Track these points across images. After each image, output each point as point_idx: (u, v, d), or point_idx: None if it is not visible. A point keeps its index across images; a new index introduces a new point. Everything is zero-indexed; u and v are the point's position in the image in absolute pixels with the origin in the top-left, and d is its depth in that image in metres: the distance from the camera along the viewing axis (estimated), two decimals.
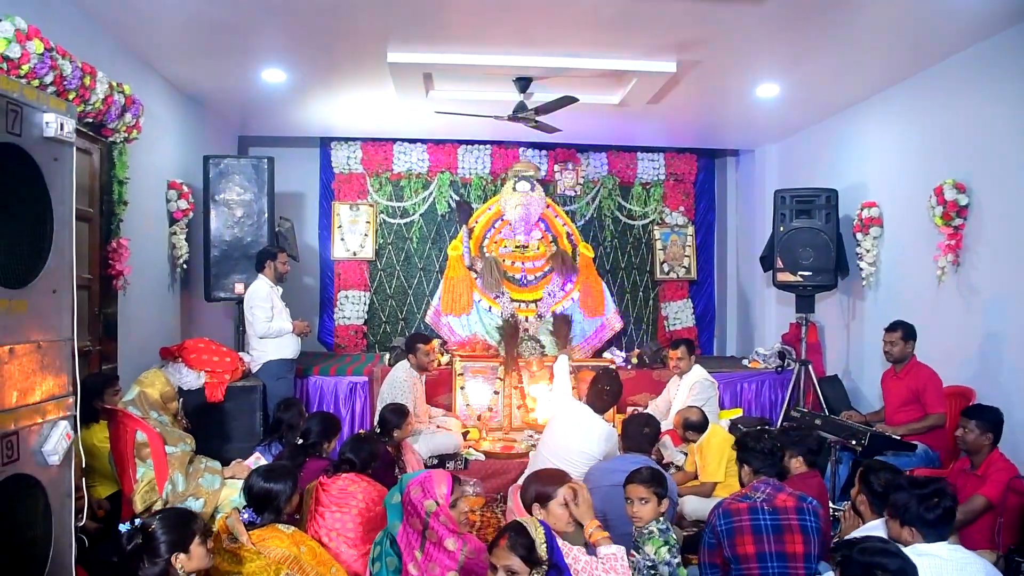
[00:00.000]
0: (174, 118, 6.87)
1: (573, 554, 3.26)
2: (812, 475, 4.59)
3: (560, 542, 3.15)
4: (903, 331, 5.78)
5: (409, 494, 3.42)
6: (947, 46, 5.73)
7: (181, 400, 5.29)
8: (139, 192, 5.95)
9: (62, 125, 2.89)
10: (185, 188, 6.79)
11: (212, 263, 6.90)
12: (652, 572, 3.63)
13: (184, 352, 5.94)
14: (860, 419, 6.03)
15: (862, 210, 6.96)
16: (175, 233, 6.77)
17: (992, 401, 4.84)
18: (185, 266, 6.94)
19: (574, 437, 5.01)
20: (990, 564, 3.03)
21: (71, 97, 4.51)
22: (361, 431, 5.84)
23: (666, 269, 9.49)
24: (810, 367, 7.11)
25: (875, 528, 3.40)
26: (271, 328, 6.21)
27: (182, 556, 2.93)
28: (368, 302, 9.15)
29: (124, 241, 5.59)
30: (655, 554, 3.68)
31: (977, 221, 5.68)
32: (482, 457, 6.50)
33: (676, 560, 3.71)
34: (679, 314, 9.54)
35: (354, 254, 9.08)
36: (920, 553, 2.92)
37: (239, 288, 6.68)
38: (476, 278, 8.08)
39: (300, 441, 4.74)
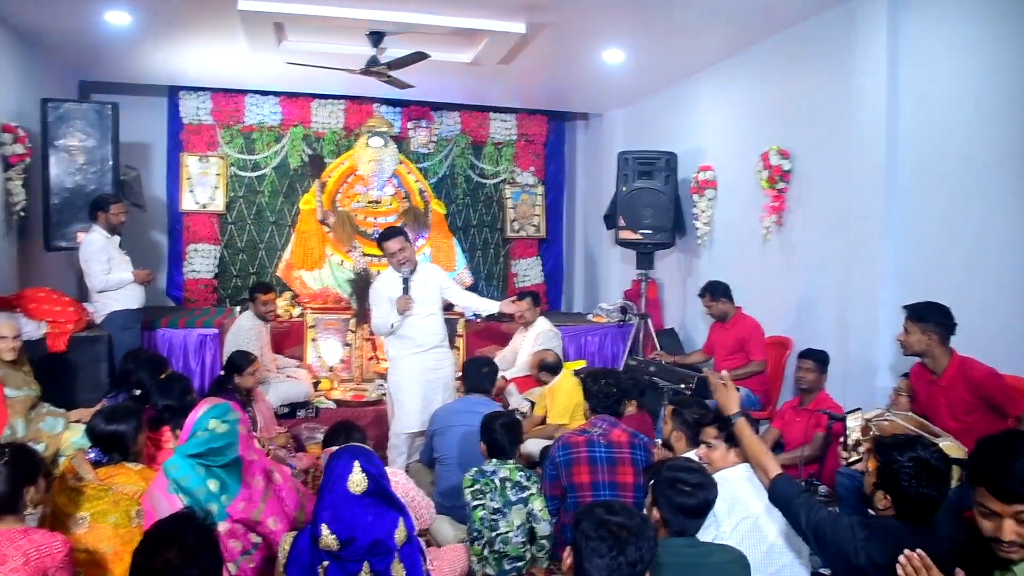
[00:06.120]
0: (7, 59, 6.53)
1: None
2: (641, 416, 4.99)
3: None
4: (710, 293, 6.29)
5: None
6: (775, 23, 6.16)
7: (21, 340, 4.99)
8: None
9: None
10: (21, 132, 6.48)
11: (52, 211, 6.64)
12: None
13: (23, 301, 5.73)
14: (683, 360, 6.60)
15: (698, 173, 7.38)
16: (11, 179, 6.47)
17: None
18: (23, 213, 6.64)
19: None
20: None
21: None
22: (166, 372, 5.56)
23: (516, 227, 9.76)
24: (649, 320, 7.52)
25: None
26: (110, 280, 5.98)
27: (31, 488, 2.90)
28: (219, 256, 8.96)
29: None
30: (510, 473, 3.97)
31: (798, 185, 6.18)
32: (333, 405, 6.61)
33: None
34: (528, 271, 9.84)
35: (204, 207, 8.86)
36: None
37: (81, 237, 6.40)
38: (328, 232, 8.10)
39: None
